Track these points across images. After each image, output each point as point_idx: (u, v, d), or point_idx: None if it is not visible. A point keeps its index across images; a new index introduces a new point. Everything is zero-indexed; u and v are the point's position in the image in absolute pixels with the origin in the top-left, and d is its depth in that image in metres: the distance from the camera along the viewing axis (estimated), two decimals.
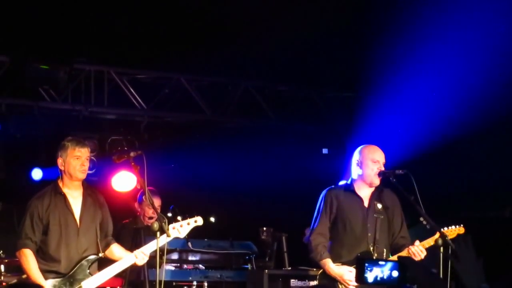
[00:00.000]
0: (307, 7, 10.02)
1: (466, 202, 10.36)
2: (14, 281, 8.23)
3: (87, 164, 7.20)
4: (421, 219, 7.26)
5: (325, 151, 11.74)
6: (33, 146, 10.28)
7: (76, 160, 7.13)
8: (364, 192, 7.55)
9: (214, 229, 8.65)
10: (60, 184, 7.20)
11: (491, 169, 10.30)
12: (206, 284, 8.81)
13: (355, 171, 7.57)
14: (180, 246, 8.66)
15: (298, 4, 10.04)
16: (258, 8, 9.95)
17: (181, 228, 7.32)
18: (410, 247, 7.31)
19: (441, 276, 6.92)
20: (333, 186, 7.66)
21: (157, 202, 8.92)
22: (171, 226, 7.27)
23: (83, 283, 7.03)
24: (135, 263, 7.18)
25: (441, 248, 7.11)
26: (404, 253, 7.35)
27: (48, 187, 7.24)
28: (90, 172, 10.14)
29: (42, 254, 7.08)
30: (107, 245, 7.26)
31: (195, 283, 8.78)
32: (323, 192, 7.61)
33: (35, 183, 10.15)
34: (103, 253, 7.20)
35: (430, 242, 7.34)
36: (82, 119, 10.42)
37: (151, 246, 7.14)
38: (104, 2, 9.77)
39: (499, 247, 10.13)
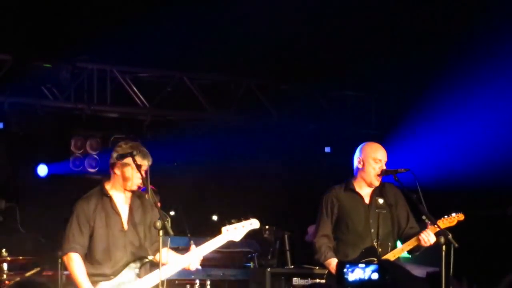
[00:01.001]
0: (311, 6, 10.05)
1: (468, 200, 10.37)
2: (17, 279, 8.29)
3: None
4: (423, 217, 7.28)
5: (327, 149, 11.82)
6: (36, 145, 10.33)
7: (137, 174, 6.85)
8: (364, 190, 7.54)
9: (217, 227, 8.66)
10: (107, 186, 6.97)
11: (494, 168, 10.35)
12: (208, 282, 8.86)
13: (356, 168, 7.59)
14: (182, 244, 8.68)
15: (302, 3, 10.07)
16: (261, 7, 9.97)
17: (235, 231, 7.04)
18: (420, 234, 7.26)
19: (443, 274, 6.92)
20: (333, 186, 7.67)
21: None
22: (224, 228, 7.03)
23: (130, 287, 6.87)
24: (188, 268, 6.96)
25: (443, 246, 7.12)
26: (413, 242, 7.28)
27: (94, 189, 7.01)
28: (93, 170, 10.19)
29: (89, 257, 6.89)
30: (157, 249, 6.92)
31: (197, 281, 8.83)
32: (323, 194, 7.62)
33: (41, 179, 10.19)
34: (153, 256, 7.00)
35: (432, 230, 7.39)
36: (85, 117, 10.47)
37: (204, 249, 6.99)
38: (107, 2, 9.81)
39: (500, 245, 10.19)
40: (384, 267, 6.56)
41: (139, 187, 7.26)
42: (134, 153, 6.85)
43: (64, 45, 10.11)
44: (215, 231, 8.38)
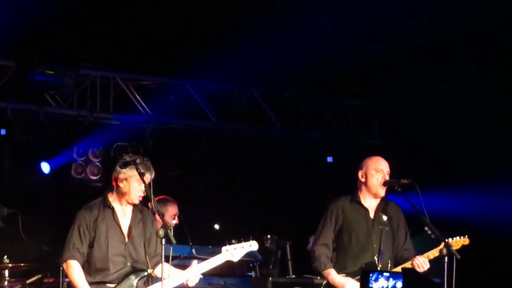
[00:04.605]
0: (313, 14, 10.09)
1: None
2: (19, 286, 8.34)
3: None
4: (426, 228, 7.32)
5: (329, 159, 11.83)
6: (39, 151, 10.37)
7: (139, 186, 7.01)
8: (370, 203, 7.64)
9: (219, 236, 8.72)
10: (110, 198, 7.14)
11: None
12: None
13: (360, 183, 7.66)
14: (185, 253, 8.72)
15: (304, 12, 10.12)
16: (264, 15, 10.03)
17: (235, 251, 7.30)
18: (414, 258, 7.39)
19: (445, 285, 6.96)
20: (339, 197, 7.74)
21: (173, 210, 9.01)
22: (224, 248, 7.27)
23: None
24: (186, 283, 7.12)
25: (446, 258, 7.16)
26: (407, 265, 7.43)
27: (97, 200, 7.18)
28: (95, 177, 10.20)
29: (87, 267, 7.06)
30: (156, 263, 7.15)
31: None
32: (329, 203, 7.69)
33: (44, 184, 10.25)
34: (152, 270, 7.13)
35: (434, 253, 7.43)
36: (88, 124, 10.53)
37: (203, 267, 7.17)
38: (110, 9, 9.87)
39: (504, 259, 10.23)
40: (408, 276, 6.62)
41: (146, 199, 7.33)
42: (138, 161, 6.97)
43: (68, 52, 10.14)
44: (216, 240, 8.48)
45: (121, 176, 7.02)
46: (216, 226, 7.78)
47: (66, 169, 10.38)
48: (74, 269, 6.96)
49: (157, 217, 8.72)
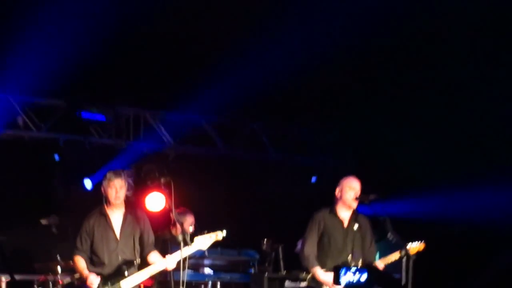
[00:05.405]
0: (298, 61, 10.31)
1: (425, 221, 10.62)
2: (68, 279, 8.60)
3: (122, 191, 7.67)
4: (389, 235, 7.60)
5: (313, 179, 11.93)
6: (84, 172, 10.56)
7: (112, 189, 7.63)
8: (344, 215, 8.10)
9: (225, 240, 8.84)
10: (105, 207, 7.74)
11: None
12: (218, 283, 9.19)
13: (337, 198, 8.00)
14: (198, 253, 8.89)
15: (292, 59, 10.33)
16: (258, 64, 10.22)
17: (205, 240, 7.66)
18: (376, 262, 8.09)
19: (403, 281, 7.24)
20: (321, 209, 8.20)
21: (190, 219, 9.22)
22: (195, 238, 7.65)
23: (121, 282, 7.57)
24: (166, 268, 7.57)
25: (404, 259, 7.43)
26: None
27: (96, 209, 7.81)
28: (127, 193, 10.41)
29: (91, 261, 7.71)
30: (148, 252, 7.73)
31: (210, 283, 9.17)
32: (314, 214, 8.15)
33: (87, 196, 10.42)
34: (140, 259, 7.64)
35: (396, 256, 7.79)
36: (123, 151, 10.72)
37: (178, 256, 7.56)
38: (141, 62, 10.19)
39: (450, 261, 10.42)
40: (371, 271, 6.81)
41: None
42: (109, 173, 7.64)
43: (107, 94, 10.46)
44: (224, 244, 8.61)
45: (102, 188, 7.72)
46: (224, 232, 7.96)
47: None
48: (78, 262, 7.61)
49: (177, 225, 9.05)
